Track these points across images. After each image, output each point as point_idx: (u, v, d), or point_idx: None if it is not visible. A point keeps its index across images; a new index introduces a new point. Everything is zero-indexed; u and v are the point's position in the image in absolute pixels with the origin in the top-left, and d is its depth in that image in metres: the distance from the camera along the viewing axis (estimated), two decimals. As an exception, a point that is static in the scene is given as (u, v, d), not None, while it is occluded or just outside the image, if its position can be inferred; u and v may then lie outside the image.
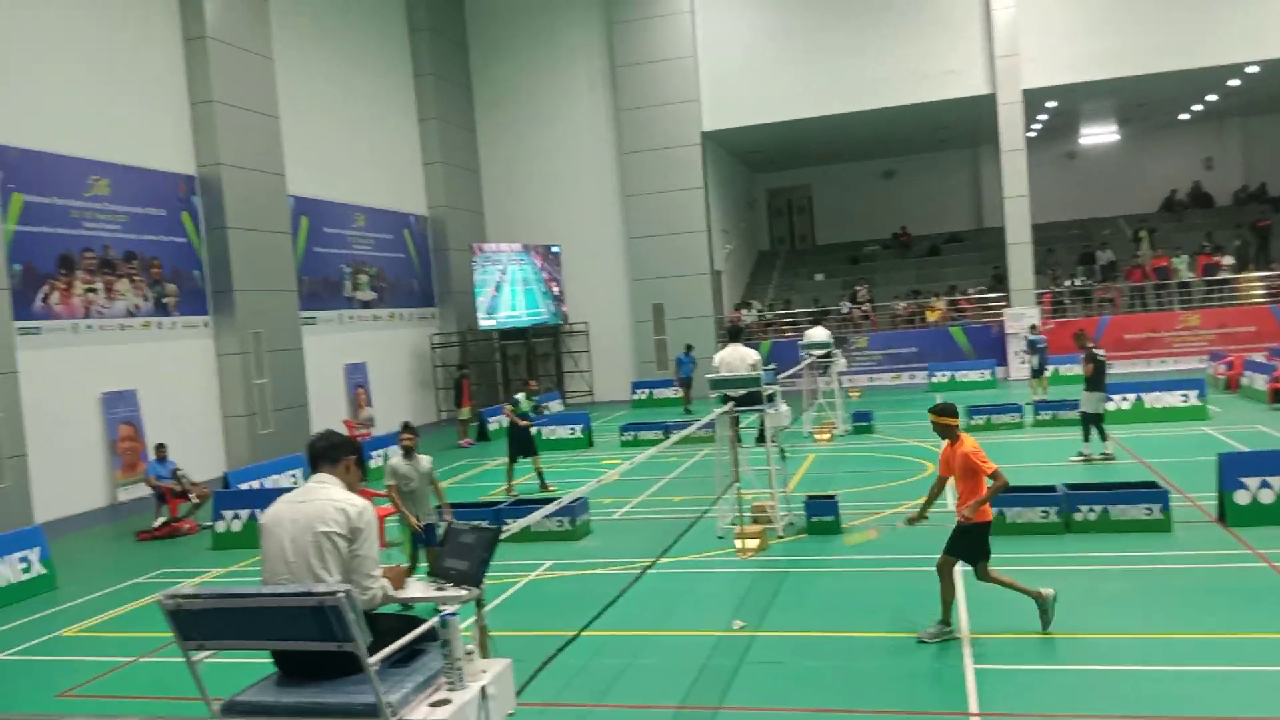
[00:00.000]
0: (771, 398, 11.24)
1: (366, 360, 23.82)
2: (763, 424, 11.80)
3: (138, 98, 17.70)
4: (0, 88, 14.51)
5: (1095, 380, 13.85)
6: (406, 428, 9.68)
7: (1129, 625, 7.50)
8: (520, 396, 15.56)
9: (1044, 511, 10.30)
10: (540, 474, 15.15)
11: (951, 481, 7.70)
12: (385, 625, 4.14)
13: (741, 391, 11.06)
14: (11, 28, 15.20)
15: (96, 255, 16.66)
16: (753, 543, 10.37)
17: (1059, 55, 25.14)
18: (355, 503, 4.22)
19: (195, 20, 18.68)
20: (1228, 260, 27.18)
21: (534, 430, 15.53)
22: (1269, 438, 14.76)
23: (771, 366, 12.82)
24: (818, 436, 18.13)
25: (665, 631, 8.16)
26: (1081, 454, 14.03)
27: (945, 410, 7.75)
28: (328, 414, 21.28)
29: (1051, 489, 10.61)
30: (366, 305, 24.40)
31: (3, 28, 14.88)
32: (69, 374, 15.89)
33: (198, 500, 14.42)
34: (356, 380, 23.37)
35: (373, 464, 17.35)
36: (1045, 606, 7.41)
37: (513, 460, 15.15)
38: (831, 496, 11.36)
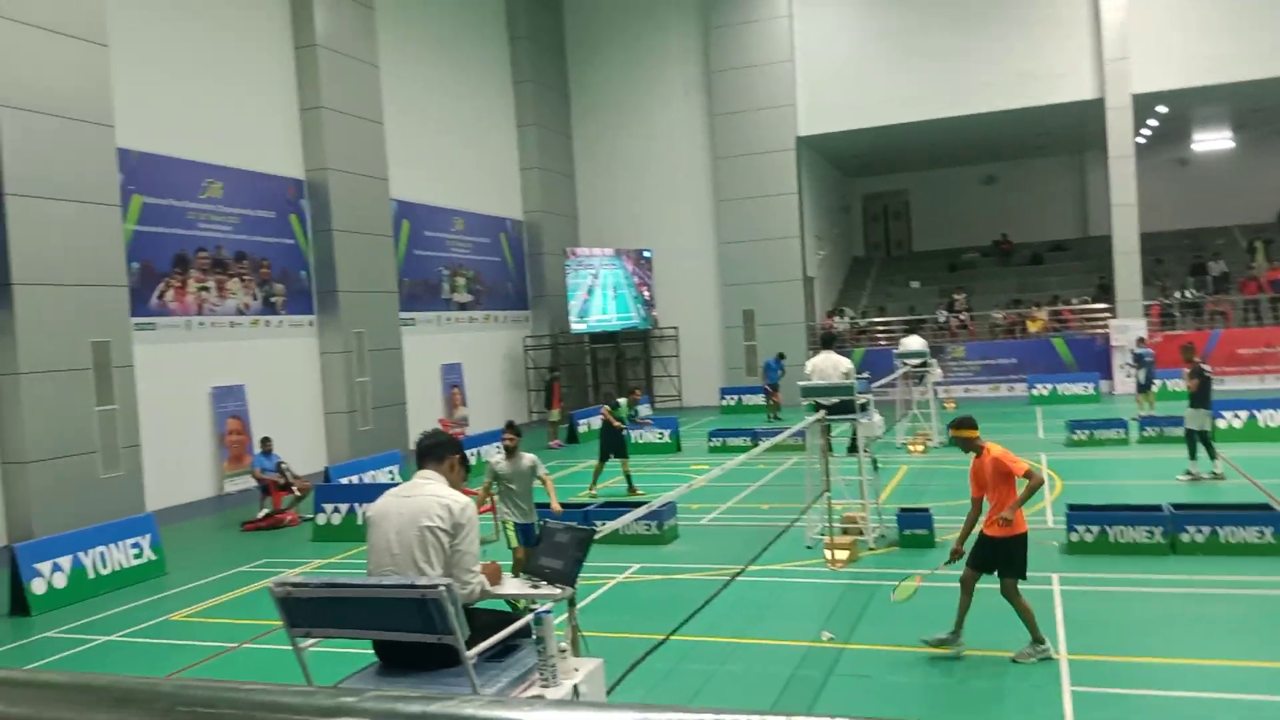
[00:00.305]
0: (864, 407, 11.12)
1: (462, 361, 24.33)
2: (855, 433, 11.67)
3: (251, 103, 18.44)
4: (123, 94, 15.27)
5: (1200, 396, 13.33)
6: (510, 427, 9.48)
7: (1236, 652, 7.20)
8: (622, 401, 15.81)
9: (1149, 531, 9.94)
10: (629, 477, 15.28)
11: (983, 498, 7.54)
12: (482, 620, 4.26)
13: (834, 400, 10.96)
14: (132, 36, 15.99)
15: (209, 255, 17.40)
16: (843, 554, 10.26)
17: (1171, 59, 24.24)
18: (458, 499, 4.36)
19: (306, 29, 19.38)
20: (1353, 273, 25.81)
21: (626, 434, 15.73)
22: (1396, 461, 13.96)
23: (865, 375, 12.68)
24: (911, 448, 17.82)
25: (752, 640, 8.14)
26: (1188, 472, 13.51)
27: (965, 423, 7.67)
28: (424, 412, 21.82)
29: (1157, 508, 10.24)
30: (463, 307, 24.92)
31: (124, 36, 15.66)
32: (181, 369, 16.62)
33: (300, 493, 14.94)
34: (452, 380, 23.88)
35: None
36: (1037, 652, 7.18)
37: (602, 461, 15.34)
38: (925, 509, 11.17)
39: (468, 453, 15.71)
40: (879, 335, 28.87)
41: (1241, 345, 24.70)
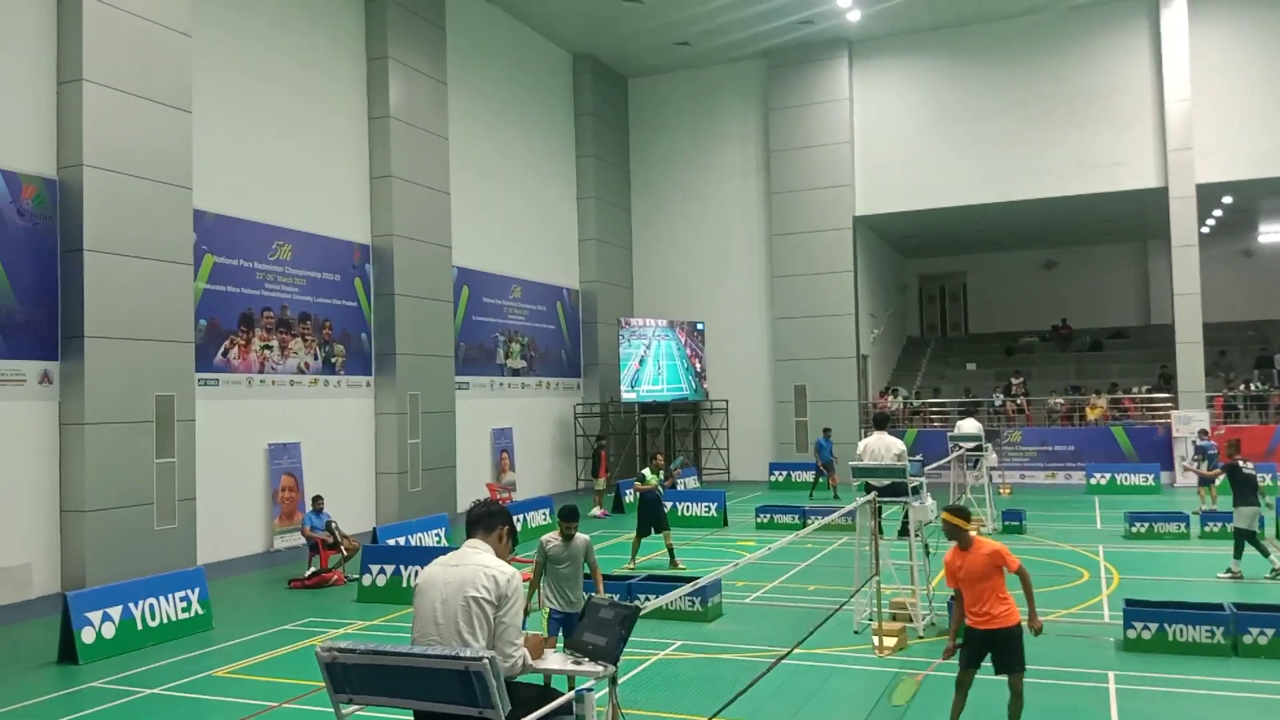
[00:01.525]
0: (917, 489, 10.96)
1: (512, 426, 24.51)
2: (906, 516, 11.48)
3: (323, 170, 19.09)
4: (201, 157, 15.92)
5: (1241, 494, 13.03)
6: (571, 515, 8.59)
7: (1307, 767, 6.86)
8: (646, 471, 15.70)
9: (1210, 631, 9.59)
10: (671, 550, 15.14)
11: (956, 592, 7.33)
12: (524, 695, 4.25)
13: (886, 481, 10.83)
14: (213, 101, 16.72)
15: (275, 315, 17.88)
16: (891, 640, 10.03)
17: (1235, 150, 24.08)
18: (505, 570, 4.38)
19: (380, 101, 20.10)
20: None
21: (666, 505, 15.58)
22: None
23: (918, 457, 12.52)
24: (963, 533, 17.42)
25: (795, 725, 7.95)
26: (1229, 570, 13.09)
27: (963, 512, 7.36)
28: (472, 476, 21.96)
29: (1219, 607, 9.89)
30: (516, 373, 25.19)
31: (205, 100, 16.38)
32: (240, 425, 16.97)
33: (347, 553, 15.04)
34: (502, 444, 24.04)
35: (512, 529, 17.71)
36: None
37: (641, 534, 15.24)
38: (976, 598, 10.87)
39: (515, 518, 15.75)
40: (933, 416, 28.54)
41: (1310, 441, 23.94)
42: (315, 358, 18.74)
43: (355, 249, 19.77)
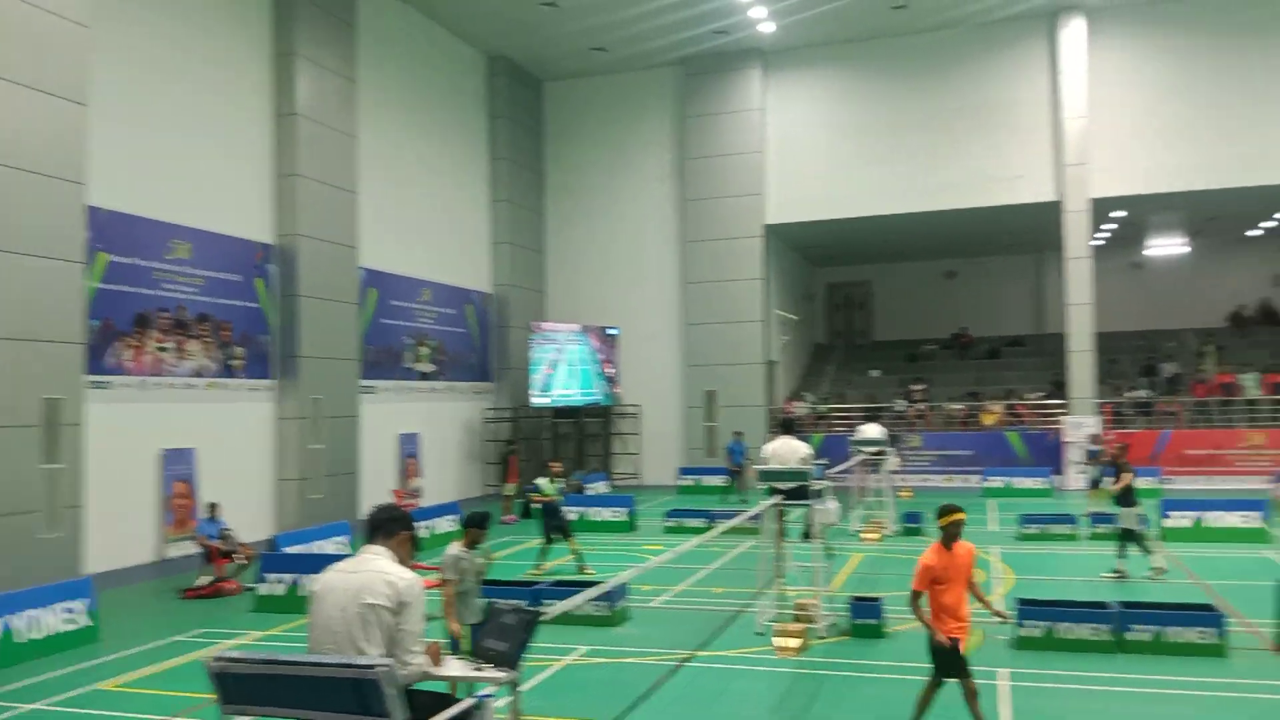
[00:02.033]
0: (820, 493, 11.16)
1: (420, 431, 24.14)
2: (809, 519, 11.69)
3: (225, 167, 18.53)
4: (97, 152, 15.30)
5: (1127, 496, 13.66)
6: (481, 523, 8.38)
7: (1182, 757, 7.21)
8: (541, 481, 15.65)
9: (1095, 629, 10.01)
10: (578, 555, 15.15)
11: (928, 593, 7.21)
12: (422, 702, 4.20)
13: (790, 485, 11.01)
14: (111, 94, 16.08)
15: (171, 315, 17.27)
16: (793, 642, 10.20)
17: (1129, 166, 25.18)
18: (404, 576, 4.32)
19: (287, 98, 19.60)
20: (1297, 380, 26.52)
21: (573, 512, 15.59)
22: (1338, 567, 14.21)
23: (822, 461, 12.75)
24: (865, 535, 17.86)
25: (699, 727, 8.02)
26: (1115, 570, 13.69)
27: (955, 508, 7.27)
28: (377, 482, 21.55)
29: (1104, 606, 10.32)
30: (425, 377, 24.83)
31: (103, 94, 15.75)
32: (133, 429, 16.33)
33: (244, 561, 14.62)
34: (408, 450, 23.67)
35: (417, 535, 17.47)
36: None
37: (546, 541, 15.27)
38: (876, 599, 11.16)
39: (421, 525, 15.45)
40: (838, 422, 29.10)
41: (1190, 446, 25.19)
42: (214, 360, 18.17)
43: (257, 249, 19.24)
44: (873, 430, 18.92)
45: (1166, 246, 33.24)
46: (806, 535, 12.21)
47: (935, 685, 7.23)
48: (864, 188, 26.97)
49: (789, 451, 11.89)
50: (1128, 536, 13.65)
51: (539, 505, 15.61)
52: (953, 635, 7.06)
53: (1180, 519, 17.18)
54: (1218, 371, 27.73)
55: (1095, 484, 20.47)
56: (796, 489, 10.98)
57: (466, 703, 4.17)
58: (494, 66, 28.20)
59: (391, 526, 4.53)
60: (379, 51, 23.13)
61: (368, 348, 22.29)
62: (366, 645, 4.12)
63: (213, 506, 15.18)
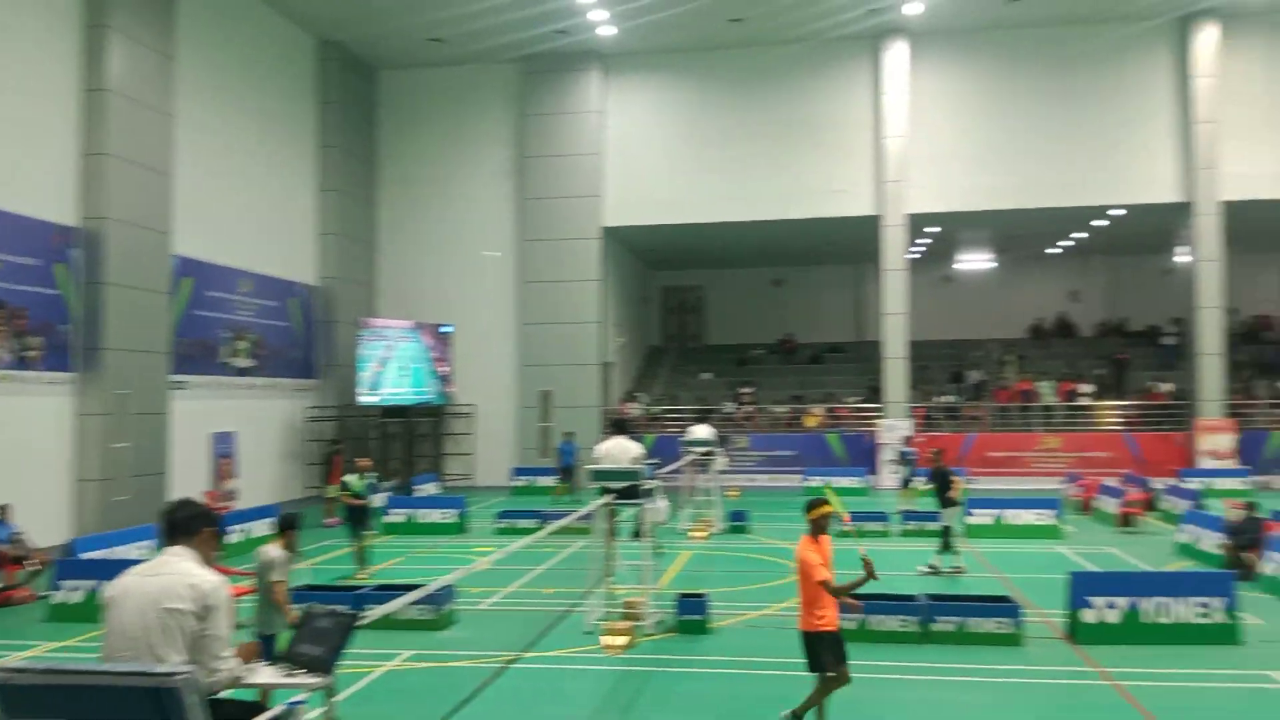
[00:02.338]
0: (650, 492, 11.31)
1: (236, 430, 22.98)
2: (640, 518, 11.83)
3: (24, 142, 17.08)
4: None
5: (949, 496, 14.54)
6: (296, 524, 8.51)
7: (978, 738, 7.68)
8: (351, 478, 15.22)
9: (904, 620, 10.55)
10: (363, 556, 14.78)
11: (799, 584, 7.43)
12: (228, 712, 3.98)
13: (622, 484, 11.10)
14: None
15: (-45, 300, 15.80)
16: (621, 639, 10.29)
17: (943, 185, 26.76)
18: (209, 578, 4.08)
19: (97, 72, 18.27)
20: (1087, 388, 28.85)
21: (373, 509, 15.33)
22: (1117, 559, 15.53)
23: (653, 461, 12.92)
24: (693, 534, 18.23)
25: (525, 728, 7.97)
26: (931, 565, 14.53)
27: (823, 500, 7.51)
28: (188, 484, 20.35)
29: (912, 599, 10.89)
30: (243, 372, 23.66)
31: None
32: (-92, 423, 14.85)
33: (37, 567, 13.53)
34: (223, 450, 22.49)
35: (232, 539, 16.66)
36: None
37: (356, 541, 14.88)
38: (702, 595, 11.40)
39: (236, 528, 14.73)
40: (670, 423, 29.60)
41: (993, 449, 26.99)
42: (6, 350, 16.73)
43: (56, 231, 17.83)
44: (702, 431, 19.35)
45: (974, 262, 35.58)
46: (637, 534, 12.34)
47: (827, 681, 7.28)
48: (698, 194, 27.56)
49: (621, 451, 11.98)
50: (947, 534, 14.45)
51: (347, 505, 15.12)
52: (830, 626, 7.21)
53: (983, 517, 18.37)
54: (1018, 379, 29.83)
55: (907, 483, 21.61)
56: (628, 488, 11.08)
57: (275, 711, 3.99)
58: (326, 51, 27.20)
59: (192, 525, 4.26)
60: (201, 29, 21.91)
61: (180, 340, 21.04)
62: (167, 652, 3.88)
63: (3, 509, 13.97)
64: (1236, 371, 29.21)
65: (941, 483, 14.81)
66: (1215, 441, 25.38)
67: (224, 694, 4.14)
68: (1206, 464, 25.03)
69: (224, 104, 22.92)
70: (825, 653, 7.23)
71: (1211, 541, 14.85)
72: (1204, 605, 10.48)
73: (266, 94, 24.76)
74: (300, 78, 26.42)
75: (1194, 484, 22.02)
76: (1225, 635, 10.34)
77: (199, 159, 21.61)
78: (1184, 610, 10.45)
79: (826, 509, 7.40)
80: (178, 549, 4.18)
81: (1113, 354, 31.37)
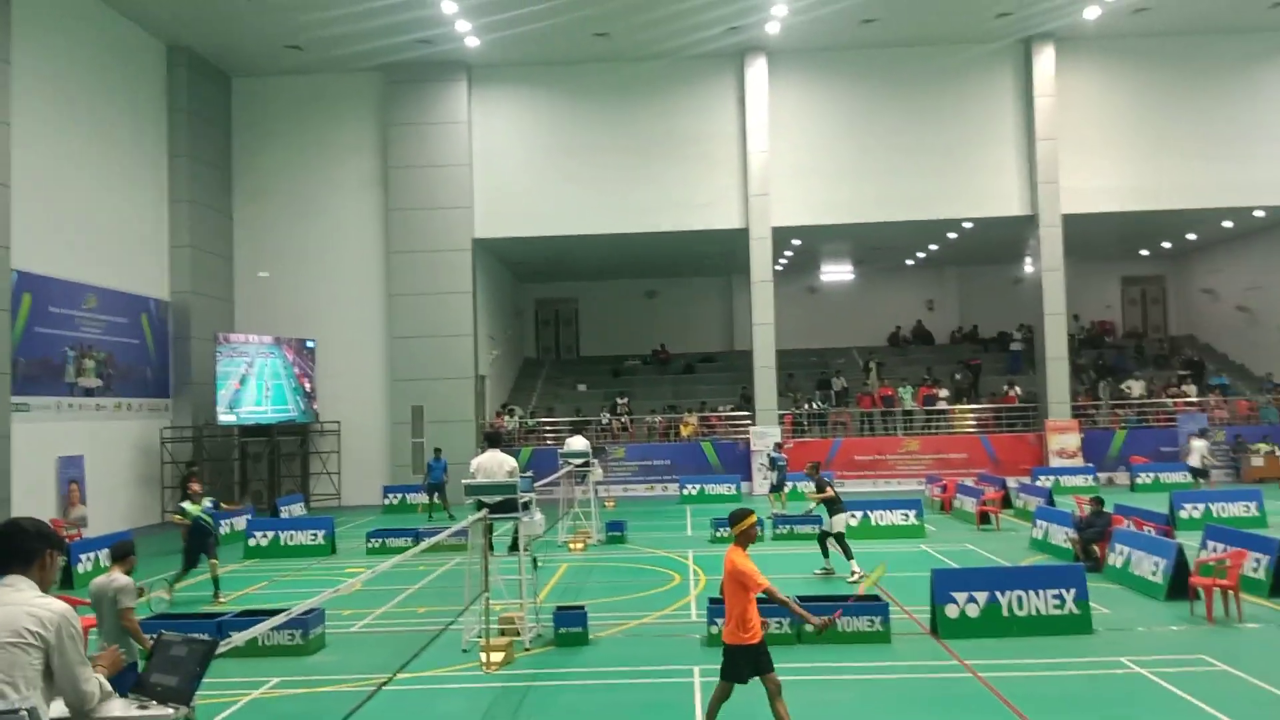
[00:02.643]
0: (527, 505, 11.19)
1: (84, 453, 21.66)
2: (516, 532, 11.69)
3: None
4: None
5: (836, 504, 14.87)
6: (133, 550, 8.19)
7: (851, 734, 7.86)
8: (185, 505, 14.57)
9: (778, 622, 10.74)
10: (216, 581, 14.24)
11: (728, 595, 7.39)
12: (73, 750, 3.71)
13: (497, 498, 10.95)
14: None
15: None
16: (498, 655, 10.12)
17: (805, 198, 27.55)
18: (53, 607, 3.80)
19: (-86, 71, 17.02)
20: (944, 393, 30.13)
21: (266, 535, 14.72)
22: (976, 556, 16.22)
23: (529, 474, 12.82)
24: (572, 546, 18.15)
25: (399, 752, 7.74)
26: (824, 568, 14.88)
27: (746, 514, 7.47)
28: (33, 512, 19.01)
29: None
30: (90, 393, 22.33)
31: None
32: None
33: None
34: (71, 475, 21.16)
35: (80, 569, 15.68)
36: None
37: (190, 565, 14.25)
38: (581, 607, 11.34)
39: (85, 556, 13.82)
40: (547, 435, 29.45)
41: (858, 453, 27.86)
42: None
43: (-124, 243, 16.48)
44: (578, 443, 19.30)
45: (837, 273, 36.77)
46: (513, 548, 12.18)
47: (729, 690, 7.27)
48: (567, 207, 27.56)
49: (496, 465, 11.85)
50: (837, 540, 14.71)
51: (183, 529, 14.45)
52: (755, 639, 7.17)
53: (850, 518, 18.83)
54: (880, 385, 30.92)
55: (777, 489, 22.06)
56: (503, 502, 10.95)
57: (128, 746, 3.74)
58: (174, 57, 26.04)
59: (29, 547, 3.93)
60: (38, 32, 20.68)
61: (19, 360, 19.73)
62: (9, 689, 3.59)
63: None
64: (1081, 374, 31.08)
65: (819, 489, 15.16)
66: (1063, 441, 26.89)
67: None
68: (1056, 463, 26.47)
69: (64, 110, 21.67)
70: (746, 666, 7.18)
71: (1062, 536, 15.69)
72: (1058, 597, 11.03)
73: (111, 101, 23.53)
74: (147, 84, 25.21)
75: (1045, 482, 23.24)
76: (1078, 625, 10.91)
77: (37, 168, 20.37)
78: (1040, 603, 10.97)
79: (753, 519, 7.40)
80: (14, 577, 3.87)
81: (966, 360, 32.89)
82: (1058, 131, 27.02)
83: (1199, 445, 23.17)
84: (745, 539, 7.36)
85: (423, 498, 24.62)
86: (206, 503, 14.55)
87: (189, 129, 26.12)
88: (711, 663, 9.99)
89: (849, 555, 14.58)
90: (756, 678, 7.12)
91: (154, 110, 25.45)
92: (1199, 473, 23.07)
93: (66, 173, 21.64)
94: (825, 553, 14.90)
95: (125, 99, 24.16)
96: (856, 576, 14.10)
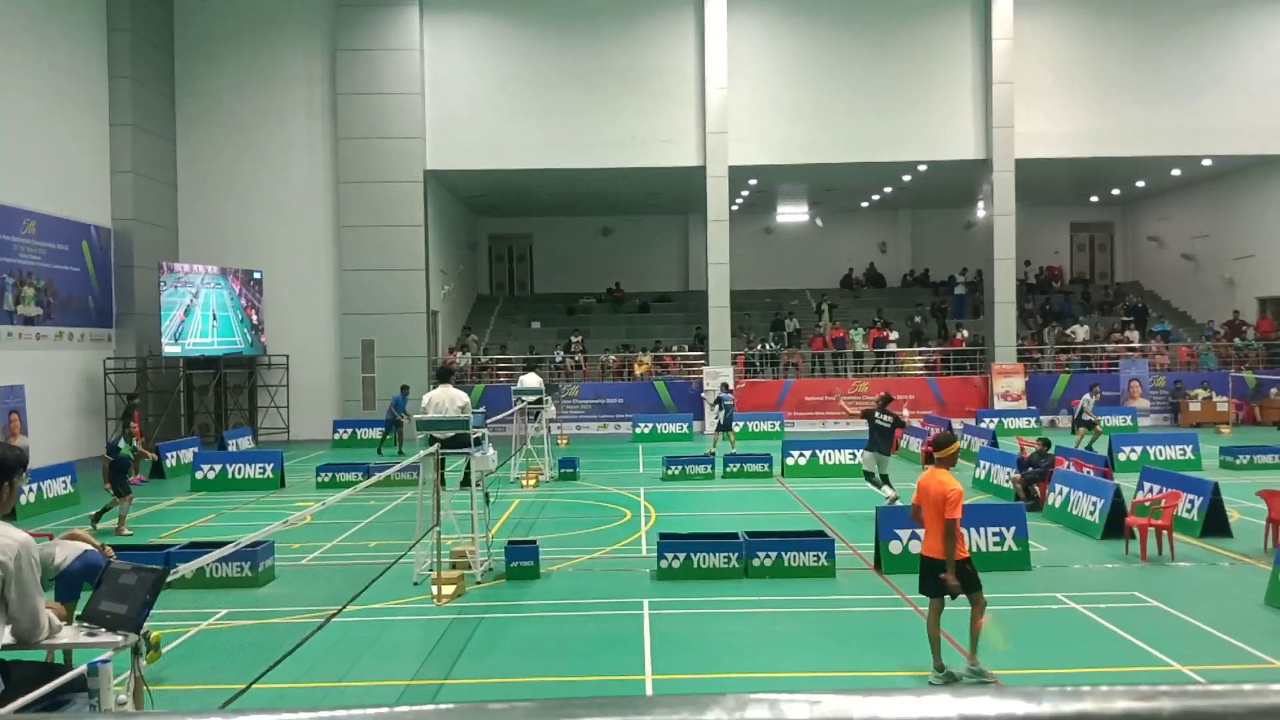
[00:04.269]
0: (479, 441, 11.19)
1: (24, 382, 21.15)
2: (468, 467, 11.69)
3: None
4: None
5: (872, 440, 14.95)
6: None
7: (799, 665, 8.07)
8: (121, 443, 14.62)
9: (726, 557, 10.92)
10: (116, 511, 14.28)
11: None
12: (23, 673, 3.68)
13: (449, 434, 10.93)
14: None
15: None
16: (449, 588, 10.19)
17: (762, 137, 27.34)
18: (14, 536, 3.75)
19: None
20: (894, 335, 30.48)
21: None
22: (920, 494, 16.55)
23: (481, 410, 12.77)
24: (524, 482, 18.22)
25: (349, 683, 7.79)
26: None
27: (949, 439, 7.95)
28: (-30, 441, 18.64)
29: (734, 536, 11.28)
30: (30, 321, 21.75)
31: None
32: None
33: None
34: (11, 404, 20.66)
35: (23, 500, 15.42)
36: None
37: (124, 492, 14.30)
38: (532, 541, 11.43)
39: (28, 489, 13.60)
40: (499, 372, 29.34)
41: (809, 393, 28.17)
42: None
43: None
44: (531, 380, 19.27)
45: (792, 214, 36.74)
46: (465, 483, 12.19)
47: (942, 604, 7.60)
48: (521, 140, 27.07)
49: (448, 400, 11.81)
50: (868, 478, 14.92)
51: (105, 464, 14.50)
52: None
53: (799, 457, 19.19)
54: (832, 327, 31.17)
55: (724, 428, 22.20)
56: (455, 438, 10.93)
57: (74, 672, 3.71)
58: (115, -28, 24.96)
59: None
60: (-35, -63, 19.66)
61: (-46, 286, 19.11)
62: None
63: None
64: (1028, 319, 31.60)
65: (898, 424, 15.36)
66: (1008, 384, 27.41)
67: (12, 655, 3.82)
68: (1000, 405, 27.01)
69: (-3, 25, 20.73)
70: (968, 580, 7.51)
71: (1004, 476, 16.07)
72: (998, 535, 11.34)
73: (46, 19, 22.55)
74: (85, 2, 24.15)
75: (990, 424, 23.72)
76: (1018, 562, 11.24)
77: (-32, 85, 19.52)
78: (980, 540, 11.26)
79: (958, 444, 7.92)
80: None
81: (917, 303, 33.24)
82: (1013, 75, 27.05)
83: (1086, 400, 22.37)
84: (949, 462, 7.79)
85: (375, 433, 24.53)
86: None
87: (131, 50, 25.15)
88: (660, 595, 10.17)
89: (877, 485, 14.89)
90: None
91: (94, 29, 24.46)
92: (1084, 424, 22.16)
93: (2, 94, 20.77)
94: (876, 485, 14.90)
95: (62, 17, 23.17)
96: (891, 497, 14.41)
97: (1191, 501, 12.99)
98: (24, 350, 21.42)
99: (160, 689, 4.36)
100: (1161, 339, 30.43)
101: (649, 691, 7.43)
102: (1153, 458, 18.78)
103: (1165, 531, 11.77)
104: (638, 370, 29.23)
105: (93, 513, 14.43)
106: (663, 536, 11.30)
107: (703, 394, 22.92)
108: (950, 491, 7.37)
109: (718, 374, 26.77)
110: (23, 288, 21.51)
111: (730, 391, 22.47)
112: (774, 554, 10.96)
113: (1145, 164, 28.92)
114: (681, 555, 10.93)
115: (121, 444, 14.50)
